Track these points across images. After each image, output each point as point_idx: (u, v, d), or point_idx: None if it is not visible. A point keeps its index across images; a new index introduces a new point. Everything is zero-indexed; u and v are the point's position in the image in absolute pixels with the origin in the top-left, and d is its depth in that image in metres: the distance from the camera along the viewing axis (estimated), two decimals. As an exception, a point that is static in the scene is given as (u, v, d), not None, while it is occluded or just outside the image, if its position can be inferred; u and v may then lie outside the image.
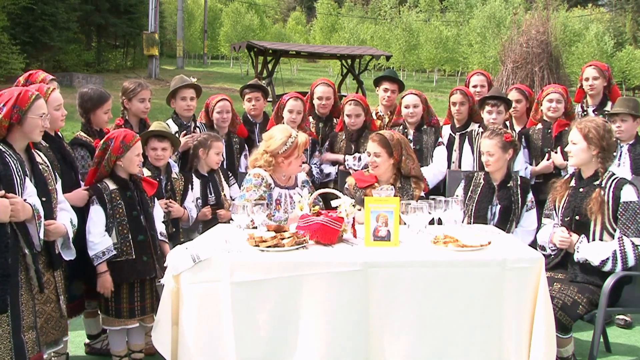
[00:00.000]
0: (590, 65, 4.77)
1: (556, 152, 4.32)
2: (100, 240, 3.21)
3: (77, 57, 29.01)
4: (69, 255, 2.96)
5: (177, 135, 4.32)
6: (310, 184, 3.88)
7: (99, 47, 32.86)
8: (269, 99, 5.39)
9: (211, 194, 4.03)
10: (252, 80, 5.13)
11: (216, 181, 4.11)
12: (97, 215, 3.24)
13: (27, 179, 2.61)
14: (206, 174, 4.08)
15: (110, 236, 3.25)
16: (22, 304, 2.55)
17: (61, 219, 2.87)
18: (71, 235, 2.91)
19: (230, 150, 4.38)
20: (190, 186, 3.96)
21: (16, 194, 2.49)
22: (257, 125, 4.83)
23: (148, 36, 27.53)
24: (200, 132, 4.37)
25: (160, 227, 3.52)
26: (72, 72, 24.78)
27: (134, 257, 3.30)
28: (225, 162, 4.32)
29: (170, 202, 3.75)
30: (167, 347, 2.69)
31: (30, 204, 2.53)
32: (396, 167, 3.71)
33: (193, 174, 4.04)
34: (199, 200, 4.01)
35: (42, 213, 2.61)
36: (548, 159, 4.35)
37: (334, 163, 4.61)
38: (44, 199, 2.71)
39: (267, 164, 3.53)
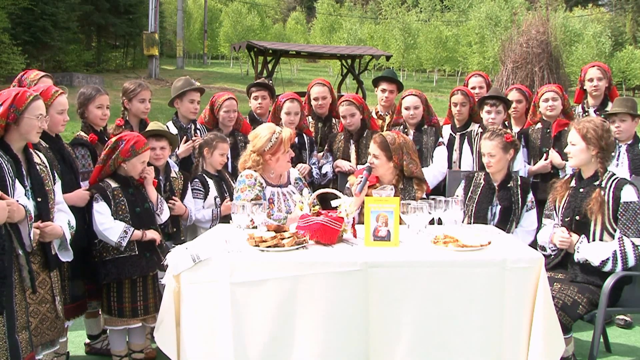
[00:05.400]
0: (594, 66, 4.76)
1: (555, 151, 4.31)
2: (115, 223, 3.27)
3: (77, 57, 29.02)
4: (67, 257, 2.95)
5: (177, 137, 4.31)
6: (304, 182, 3.88)
7: (99, 47, 32.89)
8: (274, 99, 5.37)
9: (226, 192, 4.03)
10: (259, 79, 5.11)
11: (227, 179, 4.12)
12: (102, 209, 3.27)
13: (17, 180, 2.61)
14: (216, 174, 4.08)
15: None
16: (15, 304, 2.55)
17: (58, 220, 2.87)
18: (68, 237, 2.90)
19: (235, 148, 4.36)
20: (189, 185, 3.96)
21: (8, 195, 2.49)
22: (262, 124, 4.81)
23: (148, 36, 27.54)
24: (201, 135, 4.37)
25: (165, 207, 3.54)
26: (72, 72, 24.82)
27: (137, 252, 3.32)
28: (231, 162, 4.29)
29: (173, 198, 3.75)
30: (173, 348, 2.69)
31: (22, 205, 2.53)
32: (398, 169, 3.71)
33: (205, 175, 4.03)
34: (217, 200, 4.01)
35: (32, 214, 2.61)
36: (546, 159, 4.35)
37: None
38: (39, 199, 2.71)
39: (256, 163, 3.53)
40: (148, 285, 3.39)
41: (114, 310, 3.35)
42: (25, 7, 22.67)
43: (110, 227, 3.25)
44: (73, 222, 2.98)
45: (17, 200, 2.52)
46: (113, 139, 3.35)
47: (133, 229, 3.29)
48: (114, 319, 3.36)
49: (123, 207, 3.33)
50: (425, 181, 3.80)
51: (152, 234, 3.37)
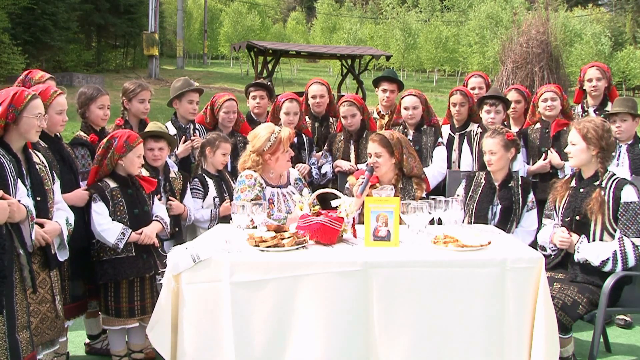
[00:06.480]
0: (593, 66, 4.76)
1: (554, 151, 4.31)
2: (113, 224, 3.26)
3: (77, 57, 29.05)
4: (63, 255, 2.95)
5: (175, 138, 4.31)
6: (304, 182, 3.88)
7: (99, 47, 32.91)
8: (272, 99, 5.37)
9: (226, 192, 4.03)
10: (258, 80, 5.11)
11: (227, 179, 4.12)
12: (101, 209, 3.27)
13: (19, 180, 2.61)
14: (217, 173, 4.08)
15: None
16: (16, 304, 2.55)
17: (56, 217, 2.87)
18: (66, 233, 2.91)
19: (235, 149, 4.35)
20: (189, 185, 3.96)
21: (10, 195, 2.50)
22: (261, 124, 4.81)
23: (148, 36, 27.56)
24: (200, 135, 4.37)
25: (163, 214, 3.53)
26: (72, 72, 24.84)
27: (134, 254, 3.31)
28: (230, 162, 4.30)
29: (170, 198, 3.76)
30: (167, 348, 2.68)
31: (24, 205, 2.54)
32: (398, 167, 3.71)
33: (205, 175, 4.04)
34: (217, 200, 4.01)
35: (34, 214, 2.62)
36: (545, 159, 4.35)
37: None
38: (38, 198, 2.72)
39: (255, 163, 3.53)
40: (145, 285, 3.39)
41: (111, 310, 3.35)
42: (25, 6, 22.68)
43: (108, 228, 3.24)
44: (71, 220, 2.98)
45: (19, 200, 2.53)
46: (105, 140, 3.36)
47: (131, 230, 3.29)
48: (111, 318, 3.36)
49: (121, 207, 3.33)
50: (424, 179, 3.81)
51: (147, 235, 3.36)
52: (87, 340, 3.79)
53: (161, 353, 2.71)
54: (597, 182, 3.23)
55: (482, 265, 2.65)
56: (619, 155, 4.12)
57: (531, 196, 3.75)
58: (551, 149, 4.33)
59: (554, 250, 3.37)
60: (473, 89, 4.97)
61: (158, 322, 2.70)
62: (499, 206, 3.70)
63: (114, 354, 3.47)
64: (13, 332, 2.49)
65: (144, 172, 3.63)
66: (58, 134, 3.38)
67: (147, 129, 3.82)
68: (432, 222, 3.19)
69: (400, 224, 2.93)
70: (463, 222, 3.36)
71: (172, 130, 4.29)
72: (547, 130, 4.41)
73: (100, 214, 3.26)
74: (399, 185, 3.69)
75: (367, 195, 3.46)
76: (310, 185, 4.21)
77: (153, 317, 2.74)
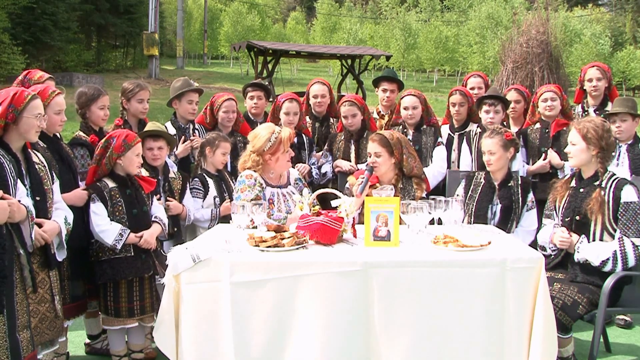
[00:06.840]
0: (594, 66, 4.76)
1: (553, 151, 4.31)
2: (111, 225, 3.26)
3: (77, 57, 29.05)
4: (61, 255, 2.95)
5: (175, 137, 4.31)
6: (304, 182, 3.88)
7: (99, 47, 32.91)
8: (270, 99, 5.38)
9: (226, 192, 4.04)
10: (256, 80, 5.12)
11: (226, 179, 4.13)
12: (99, 210, 3.27)
13: (19, 180, 2.61)
14: (216, 173, 4.08)
15: None
16: (16, 304, 2.55)
17: (54, 217, 2.87)
18: (64, 232, 2.91)
19: (235, 149, 4.35)
20: (188, 185, 3.96)
21: (10, 195, 2.50)
22: (258, 124, 4.81)
23: (148, 36, 27.56)
24: (200, 135, 4.37)
25: (162, 215, 3.53)
26: (72, 72, 24.84)
27: (132, 254, 3.31)
28: (230, 162, 4.30)
29: (168, 198, 3.76)
30: (172, 348, 2.68)
31: (24, 205, 2.54)
32: (398, 167, 3.72)
33: (205, 175, 4.04)
34: (217, 200, 4.01)
35: (34, 214, 2.62)
36: (544, 159, 4.35)
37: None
38: (38, 198, 2.72)
39: (255, 163, 3.53)
40: (145, 285, 3.39)
41: (111, 310, 3.35)
42: (25, 6, 22.68)
43: (106, 229, 3.24)
44: (70, 218, 2.98)
45: (19, 200, 2.53)
46: (103, 140, 3.36)
47: (129, 231, 3.29)
48: (110, 318, 3.36)
49: (120, 207, 3.33)
50: (424, 179, 3.81)
51: (147, 240, 3.36)
52: (87, 340, 3.79)
53: (166, 354, 2.70)
54: (597, 182, 3.23)
55: (482, 265, 2.64)
56: (619, 155, 4.12)
57: (531, 196, 3.75)
58: (551, 148, 4.33)
59: (554, 250, 3.37)
60: (472, 89, 4.97)
61: (161, 323, 2.70)
62: (499, 206, 3.70)
63: (113, 354, 3.47)
64: (14, 331, 2.49)
65: (144, 172, 3.64)
66: (57, 134, 3.38)
67: (145, 129, 3.82)
68: (432, 222, 3.19)
69: (400, 224, 2.93)
70: (463, 222, 3.36)
71: (172, 130, 4.28)
72: (547, 130, 4.41)
73: (98, 214, 3.26)
74: (399, 185, 3.69)
75: (367, 195, 3.46)
76: (310, 185, 4.21)
77: (157, 319, 2.74)
